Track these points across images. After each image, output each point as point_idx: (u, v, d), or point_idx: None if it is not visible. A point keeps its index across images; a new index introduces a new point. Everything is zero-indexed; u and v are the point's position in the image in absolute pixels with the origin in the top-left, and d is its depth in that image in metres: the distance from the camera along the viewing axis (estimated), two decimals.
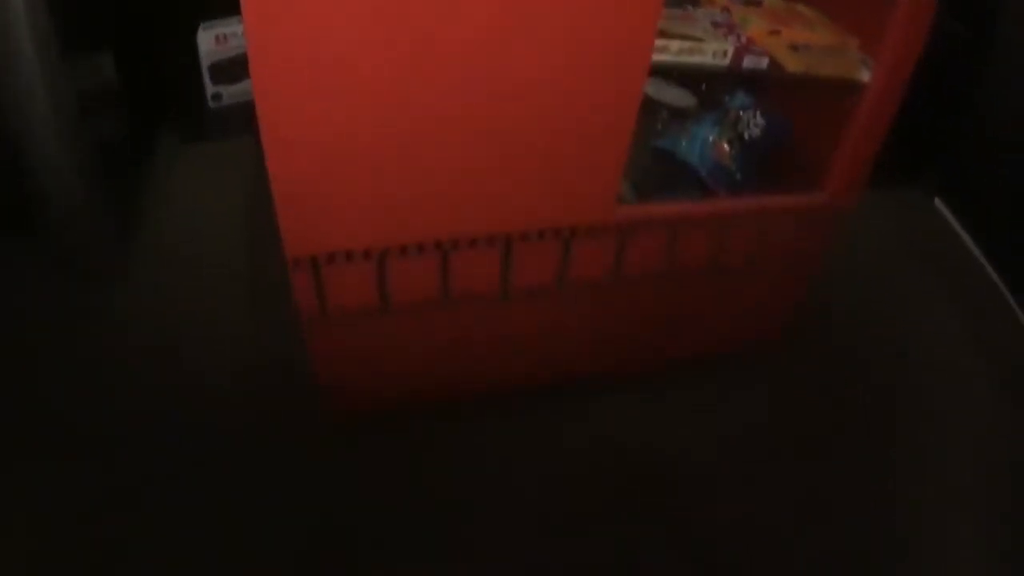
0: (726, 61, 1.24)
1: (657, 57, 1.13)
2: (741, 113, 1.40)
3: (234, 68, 2.08)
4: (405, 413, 1.52)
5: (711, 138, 1.35)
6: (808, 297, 1.68)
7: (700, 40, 1.22)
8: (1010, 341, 2.01)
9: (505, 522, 1.42)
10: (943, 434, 1.76)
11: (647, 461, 1.57)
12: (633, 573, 1.38)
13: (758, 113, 1.39)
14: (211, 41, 2.06)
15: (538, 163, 1.16)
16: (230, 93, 2.13)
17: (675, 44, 1.20)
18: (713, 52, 1.23)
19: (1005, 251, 2.12)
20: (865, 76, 1.33)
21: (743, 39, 1.27)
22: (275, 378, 1.58)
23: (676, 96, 1.43)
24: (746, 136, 1.37)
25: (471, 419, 1.56)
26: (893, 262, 2.22)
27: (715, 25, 1.29)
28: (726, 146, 1.35)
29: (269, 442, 1.47)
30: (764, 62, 1.26)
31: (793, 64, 1.30)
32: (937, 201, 2.38)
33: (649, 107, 1.44)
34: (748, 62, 1.25)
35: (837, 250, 1.69)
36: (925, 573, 1.47)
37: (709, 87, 1.48)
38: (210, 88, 2.11)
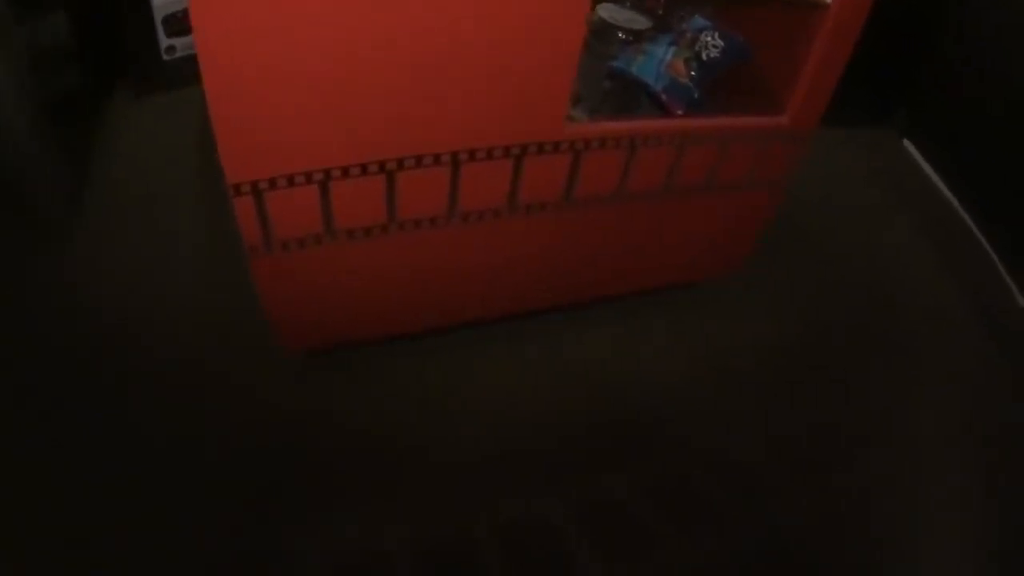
0: None
1: None
2: (699, 35, 1.36)
3: (187, 20, 2.01)
4: (358, 348, 1.49)
5: (667, 57, 1.31)
6: (776, 231, 1.66)
7: None
8: (980, 276, 2.01)
9: (463, 464, 1.39)
10: (916, 369, 1.75)
11: (615, 396, 1.55)
12: (597, 515, 1.35)
13: (716, 34, 1.35)
14: None
15: (482, 79, 1.11)
16: (183, 45, 2.07)
17: None
18: None
19: (972, 190, 2.12)
20: None
21: None
22: (229, 318, 1.54)
23: (631, 19, 1.39)
24: (704, 56, 1.34)
25: (428, 354, 1.53)
26: (861, 200, 2.22)
27: None
28: (682, 65, 1.31)
29: (222, 380, 1.44)
30: None
31: None
32: (905, 142, 2.36)
33: (603, 31, 1.40)
34: None
35: (805, 187, 1.67)
36: (899, 516, 1.45)
37: (666, 11, 1.44)
38: (164, 41, 2.05)
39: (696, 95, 1.32)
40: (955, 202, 2.17)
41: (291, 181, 1.12)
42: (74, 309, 1.53)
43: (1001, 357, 1.79)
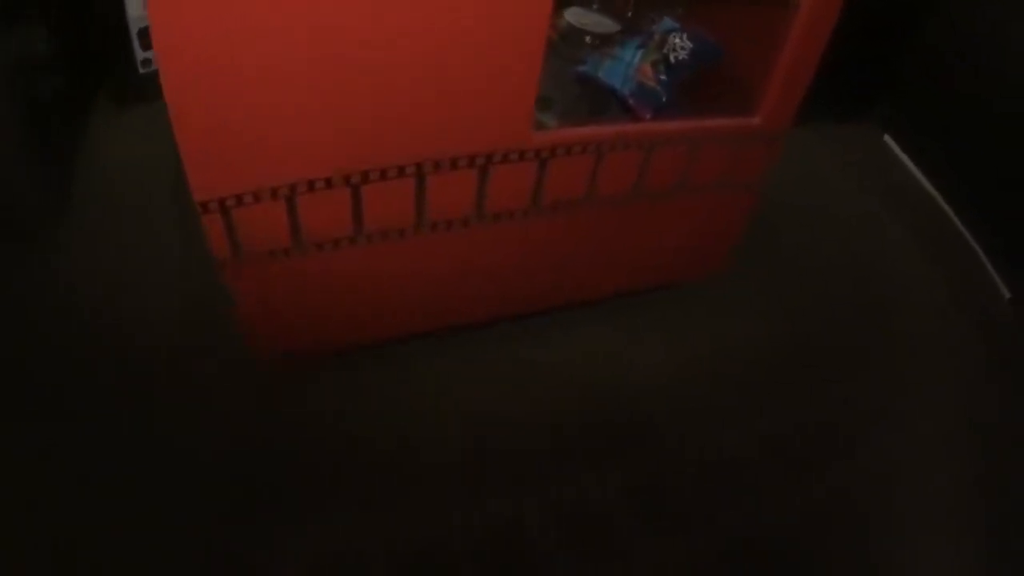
0: None
1: None
2: (667, 37, 1.35)
3: None
4: (336, 357, 1.49)
5: (635, 61, 1.31)
6: (759, 229, 1.65)
7: None
8: (964, 268, 2.01)
9: (454, 465, 1.39)
10: (905, 364, 1.74)
11: (606, 396, 1.54)
12: (589, 514, 1.35)
13: (684, 36, 1.35)
14: (140, 6, 1.99)
15: (442, 91, 1.10)
16: None
17: None
18: None
19: (954, 182, 2.11)
20: None
21: None
22: (206, 328, 1.53)
23: (598, 23, 1.39)
24: (672, 59, 1.33)
25: (419, 356, 1.52)
26: (842, 196, 2.20)
27: None
28: (650, 68, 1.31)
29: (216, 382, 1.44)
30: None
31: None
32: (886, 137, 2.34)
33: (571, 35, 1.40)
34: None
35: (785, 184, 1.66)
36: (891, 513, 1.45)
37: (635, 14, 1.44)
38: (140, 54, 2.04)
39: (664, 98, 1.31)
40: (937, 195, 2.16)
41: (257, 197, 1.12)
42: (57, 309, 1.52)
43: (989, 349, 1.79)
